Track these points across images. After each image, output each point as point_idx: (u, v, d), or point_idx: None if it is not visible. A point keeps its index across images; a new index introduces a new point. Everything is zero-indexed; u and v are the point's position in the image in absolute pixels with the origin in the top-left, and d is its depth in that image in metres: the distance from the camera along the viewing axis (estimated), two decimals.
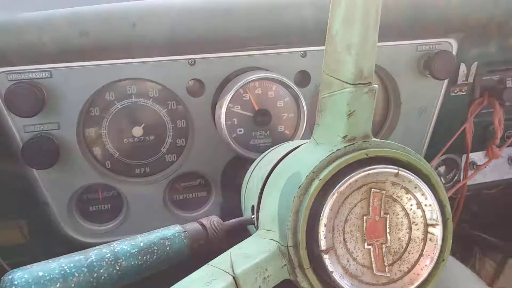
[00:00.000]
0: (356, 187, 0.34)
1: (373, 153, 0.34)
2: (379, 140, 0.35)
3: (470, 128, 0.83)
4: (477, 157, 0.89)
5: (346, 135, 0.35)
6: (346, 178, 0.33)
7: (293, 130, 0.65)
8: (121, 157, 0.68)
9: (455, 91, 0.80)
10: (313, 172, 0.34)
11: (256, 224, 0.42)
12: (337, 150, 0.34)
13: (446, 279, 0.55)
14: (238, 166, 0.68)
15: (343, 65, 0.34)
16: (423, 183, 0.35)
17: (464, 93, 0.81)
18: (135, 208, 0.68)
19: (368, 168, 0.33)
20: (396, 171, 0.34)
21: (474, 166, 0.89)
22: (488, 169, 0.90)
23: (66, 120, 0.62)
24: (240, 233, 0.43)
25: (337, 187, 0.33)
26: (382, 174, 0.34)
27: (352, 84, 0.34)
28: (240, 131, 0.64)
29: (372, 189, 0.34)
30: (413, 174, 0.34)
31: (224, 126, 0.61)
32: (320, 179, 0.33)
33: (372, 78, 0.34)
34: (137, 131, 0.67)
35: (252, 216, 0.43)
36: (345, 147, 0.35)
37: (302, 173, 0.34)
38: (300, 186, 0.34)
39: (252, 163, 0.57)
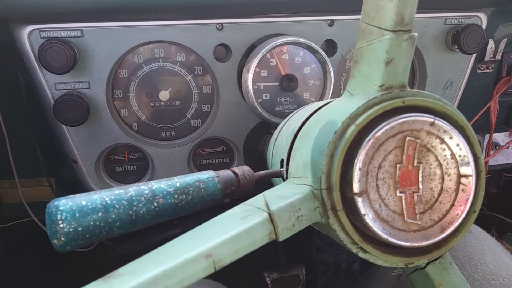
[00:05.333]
0: (391, 134, 0.34)
1: (410, 102, 0.35)
2: (415, 90, 0.36)
3: (495, 106, 0.82)
4: (500, 138, 0.89)
5: (383, 84, 0.35)
6: (383, 124, 0.33)
7: (318, 97, 0.65)
8: (148, 120, 0.69)
9: (482, 68, 0.79)
10: (349, 118, 0.34)
11: (285, 176, 0.43)
12: (373, 98, 0.35)
13: (473, 247, 0.56)
14: (262, 133, 0.69)
15: (384, 12, 0.34)
16: (459, 133, 0.35)
17: (490, 70, 0.80)
18: (160, 170, 0.69)
19: (404, 115, 0.34)
20: (432, 120, 0.34)
21: (497, 147, 0.88)
22: (511, 150, 0.89)
23: (96, 80, 0.63)
24: (267, 187, 0.44)
25: (373, 132, 0.33)
26: (418, 122, 0.34)
27: (392, 31, 0.34)
28: (266, 96, 0.64)
29: (407, 137, 0.34)
30: (449, 124, 0.34)
31: (251, 90, 0.62)
32: (357, 125, 0.34)
33: (413, 25, 0.34)
34: (164, 95, 0.68)
35: (281, 169, 0.44)
36: (382, 95, 0.35)
37: (338, 120, 0.35)
38: (335, 131, 0.34)
39: (275, 130, 0.57)
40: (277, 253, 1.04)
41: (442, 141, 0.35)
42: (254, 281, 0.98)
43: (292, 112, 0.63)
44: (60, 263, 0.87)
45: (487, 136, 0.86)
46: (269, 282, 0.98)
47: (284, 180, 0.44)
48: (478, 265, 0.55)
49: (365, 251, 0.35)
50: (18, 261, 0.83)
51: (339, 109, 0.37)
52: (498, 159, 0.88)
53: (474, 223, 0.37)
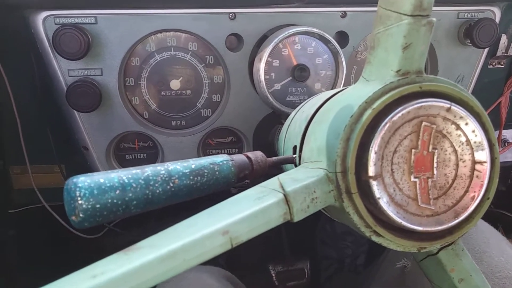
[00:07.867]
0: (408, 119, 0.34)
1: (426, 87, 0.35)
2: (432, 76, 0.36)
3: (505, 102, 0.82)
4: (509, 134, 0.88)
5: (400, 69, 0.35)
6: (400, 108, 0.33)
7: (330, 88, 0.65)
8: (158, 109, 0.69)
9: (494, 64, 0.79)
10: (366, 102, 0.34)
11: (297, 162, 0.43)
12: (390, 82, 0.35)
13: (479, 239, 0.56)
14: (272, 123, 0.69)
15: None
16: (475, 120, 0.35)
17: (502, 66, 0.80)
18: (169, 159, 0.70)
19: (421, 100, 0.34)
20: (448, 105, 0.34)
21: (506, 144, 0.88)
22: None
23: (108, 67, 0.64)
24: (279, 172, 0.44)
25: (389, 116, 0.33)
26: (434, 107, 0.34)
27: (411, 16, 0.34)
28: (277, 86, 0.64)
29: (423, 123, 0.34)
30: (465, 110, 0.35)
31: (263, 79, 0.62)
32: (373, 109, 0.34)
33: (431, 10, 0.34)
34: (175, 84, 0.68)
35: (294, 155, 0.44)
36: (398, 80, 0.35)
37: (354, 104, 0.35)
38: (352, 115, 0.34)
39: (286, 119, 0.57)
40: (282, 247, 1.04)
41: (458, 127, 0.35)
42: (259, 274, 0.99)
43: (303, 102, 0.64)
44: (70, 249, 0.87)
45: (496, 132, 0.86)
46: (273, 275, 0.99)
47: (296, 167, 0.44)
48: (484, 258, 0.55)
49: (378, 235, 0.35)
50: (28, 246, 0.84)
51: (355, 94, 0.37)
52: (507, 156, 0.88)
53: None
